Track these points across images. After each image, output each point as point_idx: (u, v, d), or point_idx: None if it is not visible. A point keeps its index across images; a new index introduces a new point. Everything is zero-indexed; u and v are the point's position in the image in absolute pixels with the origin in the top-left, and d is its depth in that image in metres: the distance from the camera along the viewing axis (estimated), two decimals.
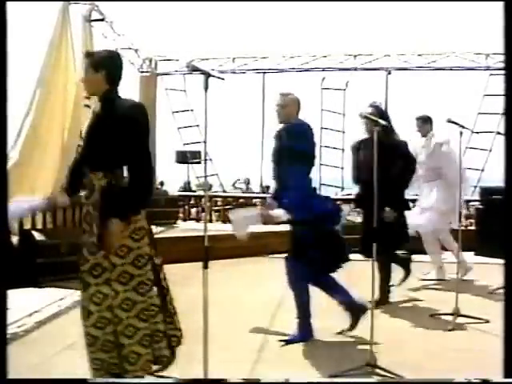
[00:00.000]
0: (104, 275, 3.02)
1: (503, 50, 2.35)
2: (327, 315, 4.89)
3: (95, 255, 3.03)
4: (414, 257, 7.26)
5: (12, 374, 3.08)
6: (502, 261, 2.35)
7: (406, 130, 5.58)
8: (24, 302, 5.24)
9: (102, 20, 8.96)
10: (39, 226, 6.87)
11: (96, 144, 3.09)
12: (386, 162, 5.08)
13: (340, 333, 4.45)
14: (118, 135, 3.01)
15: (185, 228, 9.86)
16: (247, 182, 15.47)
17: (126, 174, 3.10)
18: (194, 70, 2.90)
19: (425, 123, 6.51)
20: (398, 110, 5.51)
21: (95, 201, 3.07)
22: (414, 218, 6.28)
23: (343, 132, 12.40)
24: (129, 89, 3.08)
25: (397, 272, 5.72)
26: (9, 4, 2.55)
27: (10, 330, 4.59)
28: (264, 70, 12.10)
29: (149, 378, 3.08)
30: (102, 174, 3.07)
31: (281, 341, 4.31)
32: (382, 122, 4.14)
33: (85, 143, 3.16)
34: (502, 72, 2.41)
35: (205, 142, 3.11)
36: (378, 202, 3.88)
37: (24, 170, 6.86)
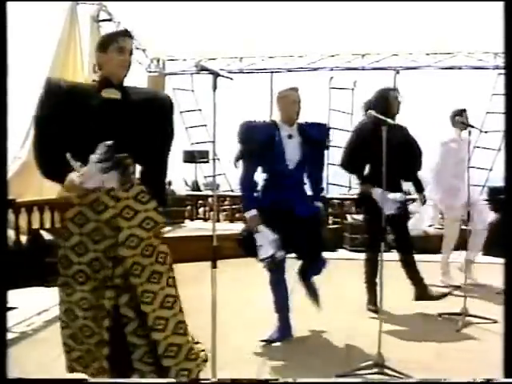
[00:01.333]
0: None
1: (503, 49, 2.35)
2: (334, 315, 4.90)
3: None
4: (422, 257, 7.26)
5: (21, 373, 3.11)
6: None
7: (414, 129, 5.53)
8: (33, 301, 5.27)
9: (110, 20, 8.99)
10: (48, 225, 6.90)
11: (139, 135, 2.95)
12: (403, 156, 5.14)
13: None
14: (154, 125, 3.02)
15: (192, 227, 9.87)
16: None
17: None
18: (203, 69, 2.90)
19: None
20: (407, 109, 5.46)
21: (136, 194, 2.92)
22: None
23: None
24: None
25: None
26: (17, 4, 2.56)
27: (19, 328, 4.63)
28: (272, 70, 12.08)
29: (149, 379, 3.07)
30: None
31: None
32: (391, 121, 4.12)
33: (124, 135, 2.89)
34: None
35: (213, 142, 3.09)
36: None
37: (33, 170, 6.87)
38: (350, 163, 5.34)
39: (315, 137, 4.36)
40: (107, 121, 2.89)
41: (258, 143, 4.23)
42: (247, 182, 4.33)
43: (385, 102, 5.08)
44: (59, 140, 2.84)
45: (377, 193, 4.83)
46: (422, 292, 5.38)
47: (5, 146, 2.59)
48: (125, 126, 2.91)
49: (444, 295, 5.41)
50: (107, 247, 2.86)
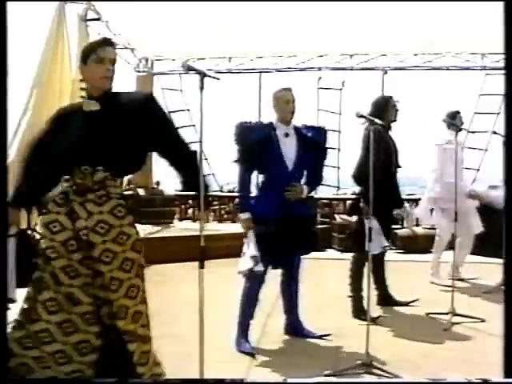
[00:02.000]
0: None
1: (503, 49, 2.36)
2: (322, 315, 4.91)
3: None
4: (411, 257, 7.30)
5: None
6: (498, 260, 2.35)
7: (402, 129, 5.57)
8: (18, 302, 5.22)
9: (98, 19, 8.94)
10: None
11: (119, 146, 2.88)
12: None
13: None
14: (142, 132, 2.94)
15: (181, 228, 9.86)
16: None
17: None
18: (190, 69, 2.88)
19: None
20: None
21: (111, 208, 2.86)
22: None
23: (339, 132, 12.41)
24: (125, 88, 3.03)
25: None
26: (8, 4, 2.55)
27: (7, 329, 4.59)
28: (260, 70, 12.09)
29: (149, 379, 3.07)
30: (120, 181, 2.92)
31: None
32: (379, 121, 4.14)
33: (97, 145, 2.85)
34: (498, 72, 2.42)
35: (200, 142, 3.08)
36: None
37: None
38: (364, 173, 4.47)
39: (312, 138, 4.33)
40: (86, 133, 2.84)
41: (254, 143, 4.19)
42: (244, 183, 4.28)
43: (383, 109, 5.09)
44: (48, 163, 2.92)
45: (373, 224, 4.40)
46: (386, 297, 5.41)
47: (5, 147, 2.58)
48: (105, 135, 2.85)
49: (408, 303, 5.41)
50: (81, 258, 2.88)
